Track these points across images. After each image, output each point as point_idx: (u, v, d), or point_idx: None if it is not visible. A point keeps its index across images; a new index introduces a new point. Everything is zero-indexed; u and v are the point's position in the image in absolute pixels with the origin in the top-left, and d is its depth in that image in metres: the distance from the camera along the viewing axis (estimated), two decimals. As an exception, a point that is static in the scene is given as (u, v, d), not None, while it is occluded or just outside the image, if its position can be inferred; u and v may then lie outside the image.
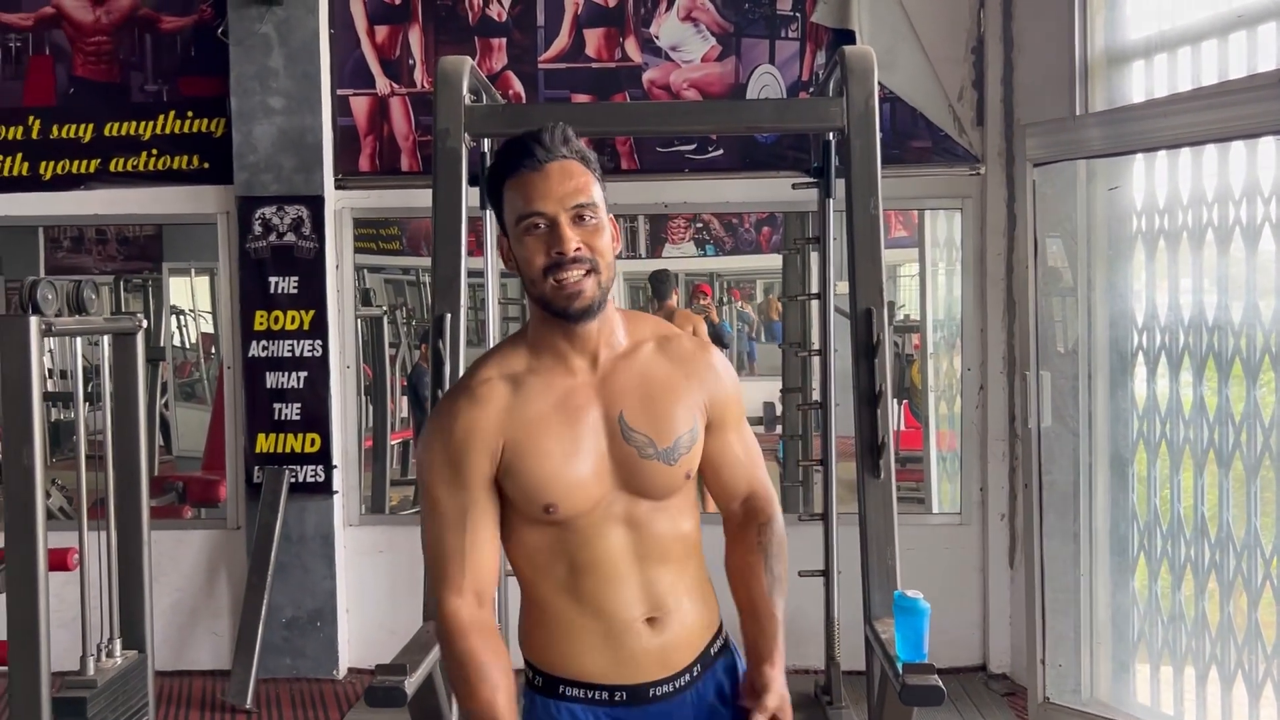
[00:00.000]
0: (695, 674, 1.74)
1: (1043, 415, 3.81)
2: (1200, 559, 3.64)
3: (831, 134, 3.95)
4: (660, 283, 6.24)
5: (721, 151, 4.79)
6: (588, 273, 1.59)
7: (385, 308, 6.02)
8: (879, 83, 3.51)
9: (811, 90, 4.64)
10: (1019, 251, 4.19)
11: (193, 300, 7.78)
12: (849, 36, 4.55)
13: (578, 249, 1.57)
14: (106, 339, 3.29)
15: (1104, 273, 3.93)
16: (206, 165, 4.81)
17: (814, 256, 4.66)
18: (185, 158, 4.81)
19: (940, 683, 2.24)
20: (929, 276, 5.59)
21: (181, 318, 7.99)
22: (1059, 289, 3.99)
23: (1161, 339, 3.76)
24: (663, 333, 1.75)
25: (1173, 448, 3.73)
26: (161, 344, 7.49)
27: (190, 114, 4.81)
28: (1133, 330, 3.86)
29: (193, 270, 7.44)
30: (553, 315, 1.62)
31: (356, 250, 4.97)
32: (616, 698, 1.70)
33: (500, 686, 1.59)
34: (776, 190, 4.63)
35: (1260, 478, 3.45)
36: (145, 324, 3.35)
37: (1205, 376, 3.61)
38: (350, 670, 4.81)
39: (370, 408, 6.20)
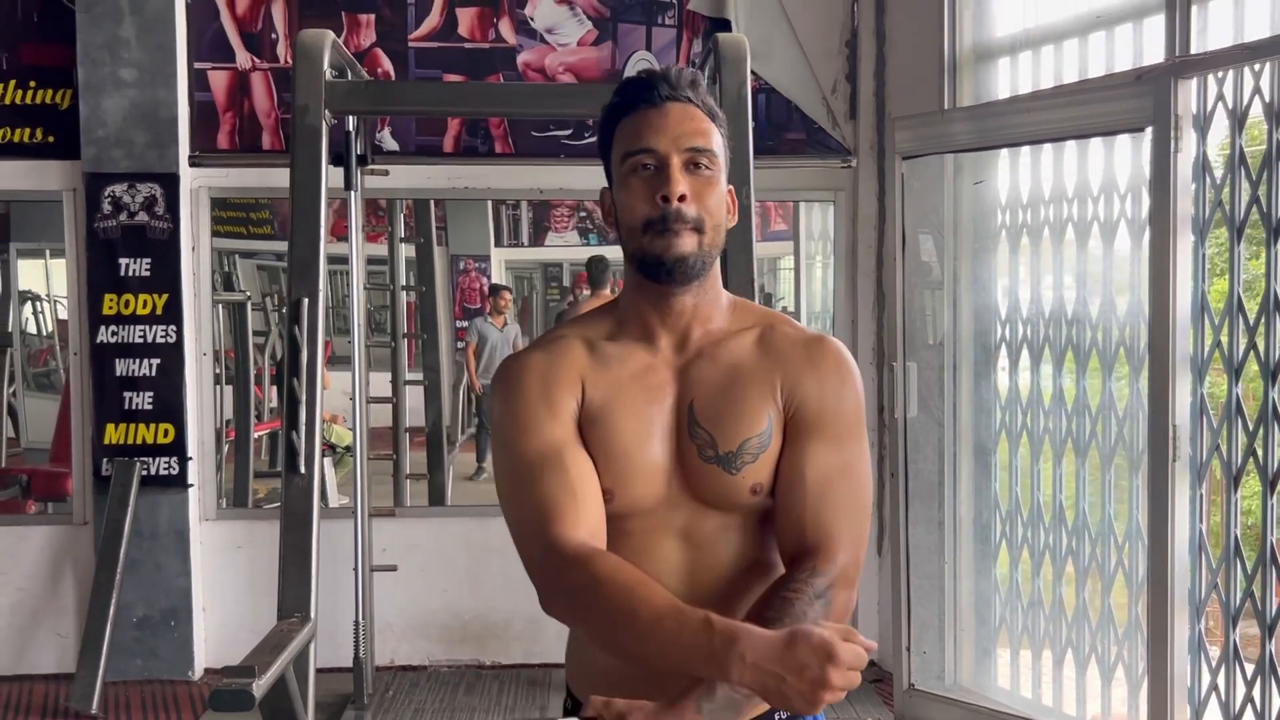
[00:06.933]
0: None
1: (909, 405, 3.85)
2: (1058, 546, 3.74)
3: (706, 122, 3.91)
4: (599, 269, 6.20)
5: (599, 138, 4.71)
6: (692, 230, 1.39)
7: (247, 293, 5.79)
8: (754, 73, 3.50)
9: (688, 78, 4.60)
10: (889, 244, 4.24)
11: (48, 284, 7.38)
12: (725, 25, 4.53)
13: (683, 197, 1.38)
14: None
15: (969, 266, 4.00)
16: (51, 139, 4.52)
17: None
18: (27, 130, 4.51)
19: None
20: (804, 269, 5.64)
21: (37, 304, 7.57)
22: (928, 282, 4.04)
23: (1024, 331, 3.84)
24: (773, 323, 1.49)
25: (1033, 437, 3.82)
26: (10, 329, 7.08)
27: (33, 84, 4.51)
28: (996, 322, 3.94)
29: (48, 252, 7.04)
30: (645, 275, 1.42)
31: (225, 234, 4.75)
32: None
33: (662, 590, 1.30)
34: (652, 178, 4.58)
35: (1114, 466, 3.55)
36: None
37: (1065, 368, 3.70)
38: (207, 671, 4.61)
39: (233, 398, 5.96)
